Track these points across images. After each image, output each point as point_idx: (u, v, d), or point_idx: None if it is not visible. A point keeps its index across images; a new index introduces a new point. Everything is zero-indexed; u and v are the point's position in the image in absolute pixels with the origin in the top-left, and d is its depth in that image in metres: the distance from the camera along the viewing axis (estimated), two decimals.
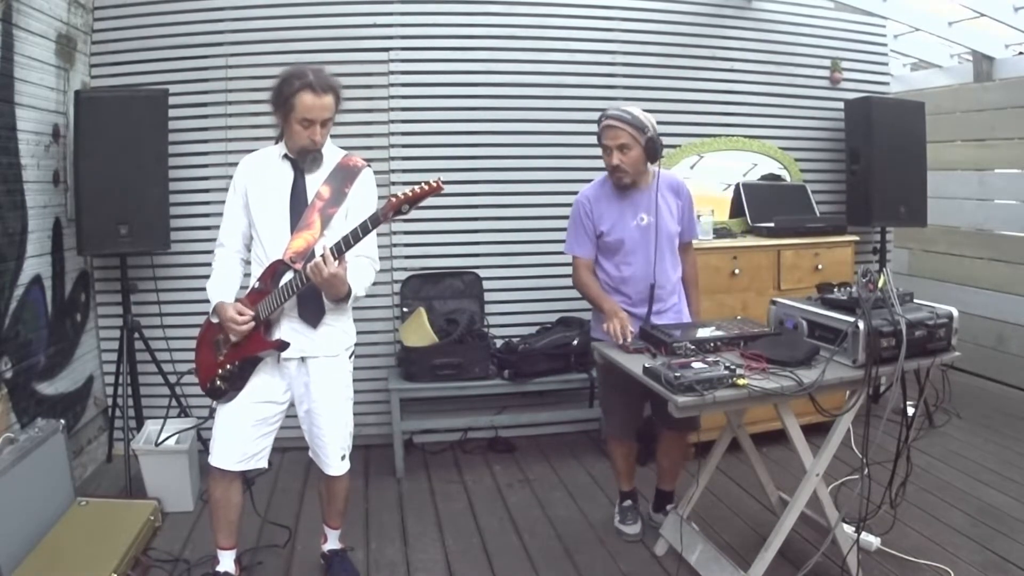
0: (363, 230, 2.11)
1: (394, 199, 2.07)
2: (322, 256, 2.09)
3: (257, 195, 2.30)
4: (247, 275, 2.41)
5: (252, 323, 2.26)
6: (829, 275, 3.59)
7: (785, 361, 2.16)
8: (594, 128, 3.93)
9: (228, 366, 2.31)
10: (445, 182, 2.07)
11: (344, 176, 2.32)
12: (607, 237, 2.70)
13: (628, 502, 2.92)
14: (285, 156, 2.31)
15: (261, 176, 2.32)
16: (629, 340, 2.47)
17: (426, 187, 2.05)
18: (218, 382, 2.33)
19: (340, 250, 2.11)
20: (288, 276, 2.23)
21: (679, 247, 2.79)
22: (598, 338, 2.70)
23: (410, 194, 2.06)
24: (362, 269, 2.30)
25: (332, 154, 2.36)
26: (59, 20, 3.32)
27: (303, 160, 2.28)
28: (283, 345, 2.28)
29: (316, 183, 2.30)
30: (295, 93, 2.17)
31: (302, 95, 2.17)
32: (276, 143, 2.38)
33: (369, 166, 2.39)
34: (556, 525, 3.01)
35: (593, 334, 2.82)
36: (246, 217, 2.35)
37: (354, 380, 2.49)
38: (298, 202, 2.28)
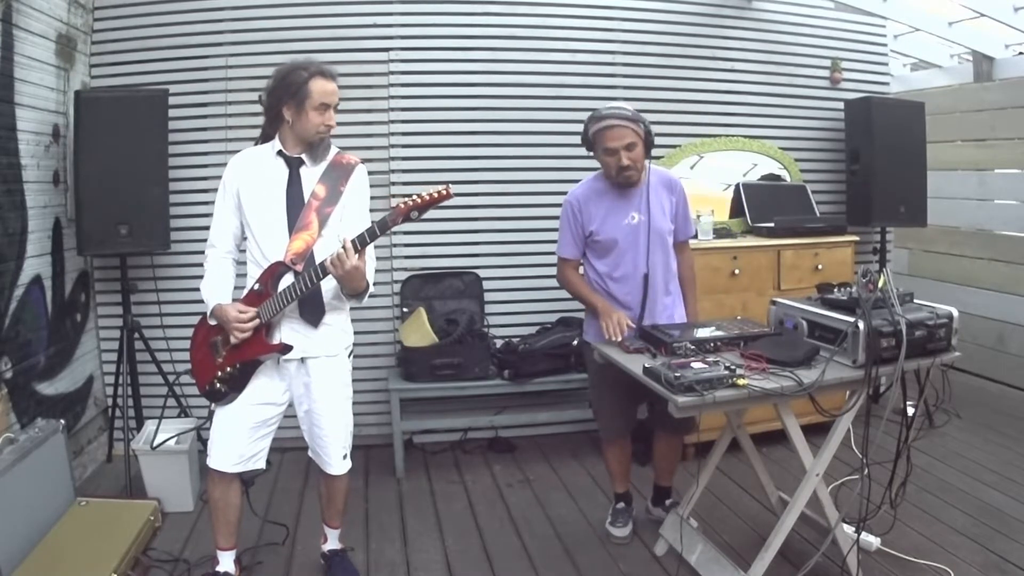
0: (371, 235, 2.11)
1: (403, 205, 2.06)
2: (344, 248, 2.08)
3: (251, 196, 2.29)
4: (242, 275, 2.40)
5: (255, 323, 2.24)
6: (829, 275, 3.59)
7: (785, 361, 2.16)
8: None
9: (228, 368, 2.30)
10: (445, 182, 2.07)
11: (339, 174, 2.31)
12: (597, 236, 2.63)
13: (621, 504, 2.91)
14: (279, 153, 2.29)
15: (254, 176, 2.30)
16: (626, 338, 2.45)
17: (436, 195, 2.05)
18: (217, 384, 2.32)
19: (364, 241, 2.11)
20: (288, 278, 2.22)
21: (674, 247, 2.71)
22: (591, 340, 2.64)
23: (419, 200, 2.05)
24: (368, 260, 2.29)
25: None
26: (59, 20, 3.32)
27: (315, 149, 2.27)
28: (286, 348, 2.28)
29: (311, 181, 2.29)
30: (307, 81, 2.17)
31: (315, 81, 2.18)
32: (257, 143, 2.37)
33: (362, 163, 2.39)
34: (556, 525, 3.01)
35: (586, 336, 2.75)
36: (237, 218, 2.33)
37: (354, 380, 2.49)
38: (294, 202, 2.27)
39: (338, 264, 2.09)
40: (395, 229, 3.69)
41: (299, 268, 2.20)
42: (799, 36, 4.28)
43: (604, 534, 2.89)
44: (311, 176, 2.30)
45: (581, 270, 2.78)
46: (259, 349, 2.28)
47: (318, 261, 2.18)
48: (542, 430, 3.96)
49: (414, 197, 2.06)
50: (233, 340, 2.27)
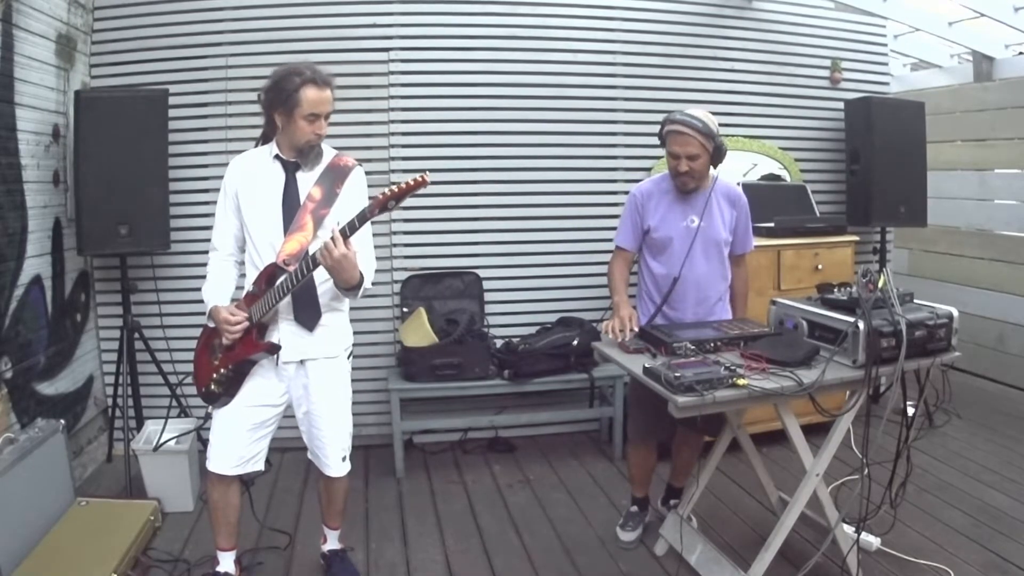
0: (351, 228, 2.08)
1: (381, 196, 2.05)
2: (331, 237, 2.06)
3: (248, 198, 2.29)
4: (242, 276, 2.40)
5: (245, 325, 2.24)
6: (829, 275, 3.59)
7: (785, 361, 2.16)
8: (596, 128, 4.03)
9: (222, 370, 2.30)
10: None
11: (335, 176, 2.30)
12: (654, 233, 2.69)
13: (635, 508, 2.91)
14: (276, 157, 2.29)
15: (252, 178, 2.30)
16: (627, 340, 2.45)
17: (412, 183, 2.02)
18: (213, 387, 2.32)
19: (345, 233, 2.08)
20: (282, 279, 2.22)
21: (731, 259, 2.77)
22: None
23: (396, 190, 2.04)
24: (367, 259, 2.29)
25: (324, 154, 2.34)
26: (59, 20, 3.32)
27: (305, 156, 2.26)
28: (274, 348, 2.27)
29: (308, 184, 2.28)
30: (298, 89, 2.15)
31: (306, 90, 2.16)
32: (257, 145, 2.37)
33: (360, 165, 2.38)
34: (556, 525, 3.01)
35: None
36: (238, 221, 2.33)
37: (354, 380, 2.49)
38: (290, 204, 2.26)
39: (326, 253, 2.07)
40: (395, 229, 3.79)
41: (292, 268, 2.19)
42: (799, 36, 4.28)
43: (604, 534, 2.89)
44: (307, 179, 2.29)
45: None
46: (249, 349, 2.27)
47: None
48: (542, 430, 3.96)
49: (392, 187, 2.04)
50: (224, 341, 2.27)
